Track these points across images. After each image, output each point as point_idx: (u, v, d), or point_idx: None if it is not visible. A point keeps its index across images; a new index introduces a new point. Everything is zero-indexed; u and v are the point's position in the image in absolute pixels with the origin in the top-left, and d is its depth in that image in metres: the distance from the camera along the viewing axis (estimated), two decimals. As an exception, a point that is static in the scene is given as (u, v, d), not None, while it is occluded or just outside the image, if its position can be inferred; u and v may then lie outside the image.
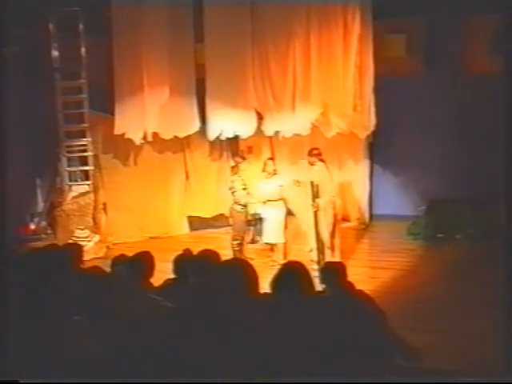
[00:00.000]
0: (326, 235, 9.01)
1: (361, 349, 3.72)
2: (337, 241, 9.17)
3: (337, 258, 8.88)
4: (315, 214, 8.96)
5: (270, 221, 9.86)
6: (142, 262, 5.14)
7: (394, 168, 12.70)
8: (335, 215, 9.22)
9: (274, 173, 9.91)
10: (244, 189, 9.96)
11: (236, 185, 9.99)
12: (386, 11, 10.05)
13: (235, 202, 9.99)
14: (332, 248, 9.08)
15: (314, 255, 8.90)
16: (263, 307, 3.84)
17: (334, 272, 5.12)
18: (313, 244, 9.08)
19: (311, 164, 9.20)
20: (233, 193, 10.00)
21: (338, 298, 4.47)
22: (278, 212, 9.81)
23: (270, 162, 10.16)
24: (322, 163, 9.18)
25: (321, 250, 8.94)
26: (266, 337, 3.54)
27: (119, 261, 5.50)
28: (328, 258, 8.84)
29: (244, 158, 10.70)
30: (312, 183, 8.90)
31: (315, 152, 9.20)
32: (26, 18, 10.00)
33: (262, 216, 10.00)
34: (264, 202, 9.88)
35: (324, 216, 8.99)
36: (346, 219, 12.53)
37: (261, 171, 10.12)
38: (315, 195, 8.91)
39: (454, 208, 11.50)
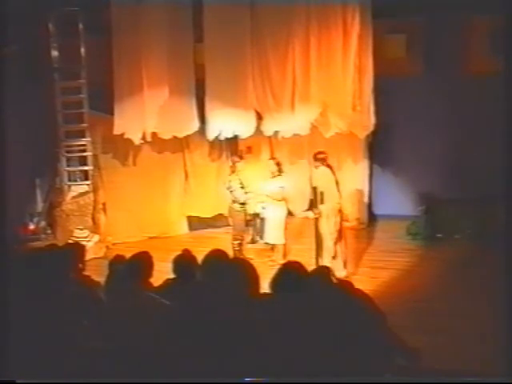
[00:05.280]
0: (329, 244, 8.92)
1: (361, 349, 3.72)
2: (339, 248, 9.02)
3: (340, 267, 8.86)
4: (316, 221, 8.90)
5: (271, 221, 9.85)
6: (141, 262, 5.13)
7: (393, 168, 12.71)
8: (340, 223, 9.01)
9: (279, 173, 9.86)
10: (241, 187, 9.96)
11: (233, 184, 10.00)
12: (385, 11, 10.05)
13: (233, 201, 10.01)
14: (338, 254, 8.97)
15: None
16: (263, 307, 3.84)
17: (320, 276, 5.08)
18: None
19: (315, 167, 9.09)
20: (231, 192, 10.02)
21: (337, 298, 4.46)
22: (279, 213, 9.80)
23: (270, 161, 10.17)
24: (326, 168, 9.02)
25: (321, 256, 8.89)
26: (266, 337, 3.54)
27: (116, 261, 5.50)
28: (337, 265, 8.81)
29: (242, 158, 10.70)
30: (315, 189, 8.80)
31: (320, 156, 9.07)
32: (25, 18, 10.00)
33: (263, 216, 10.00)
34: (263, 202, 9.90)
35: (327, 223, 8.90)
36: (345, 219, 12.53)
37: (261, 171, 10.13)
38: (319, 202, 8.81)
39: (453, 208, 11.51)
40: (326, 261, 8.76)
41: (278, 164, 9.96)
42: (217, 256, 4.96)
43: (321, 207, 8.80)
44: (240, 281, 3.82)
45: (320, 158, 9.01)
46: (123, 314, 4.41)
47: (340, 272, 8.73)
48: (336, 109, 9.92)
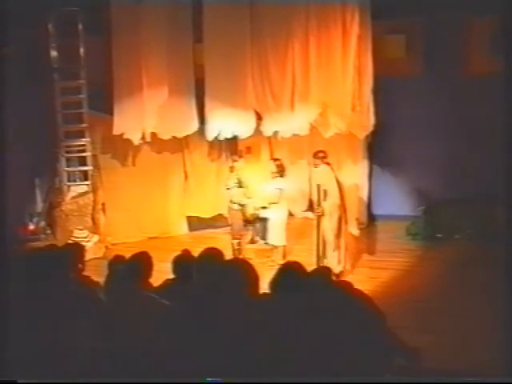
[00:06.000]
0: (330, 239, 8.94)
1: (361, 349, 3.72)
2: (342, 242, 9.05)
3: (341, 260, 8.87)
4: (318, 218, 8.91)
5: (272, 223, 9.84)
6: (140, 263, 5.13)
7: (392, 168, 12.70)
8: (340, 218, 9.01)
9: (278, 175, 9.84)
10: (239, 187, 9.96)
11: (231, 183, 10.00)
12: (385, 11, 10.05)
13: (231, 201, 10.01)
14: (337, 249, 9.00)
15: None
16: (263, 307, 3.84)
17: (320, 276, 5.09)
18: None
19: (315, 166, 9.12)
20: (228, 190, 10.02)
21: (336, 298, 4.46)
22: (280, 214, 9.79)
23: (270, 162, 10.18)
24: (326, 166, 9.07)
25: (322, 254, 8.89)
26: (266, 337, 3.54)
27: (116, 261, 5.50)
28: (333, 260, 8.82)
29: (240, 157, 10.69)
30: (319, 187, 8.82)
31: (321, 155, 9.09)
32: (25, 18, 9.99)
33: (263, 216, 9.99)
34: (263, 203, 9.90)
35: (329, 221, 8.91)
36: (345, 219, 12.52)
37: (260, 171, 10.12)
38: (321, 200, 8.81)
39: (453, 208, 11.51)
40: (328, 256, 8.84)
41: (279, 166, 9.93)
42: (215, 256, 4.97)
43: (323, 205, 8.82)
44: (240, 281, 3.82)
45: (320, 157, 9.05)
46: (123, 314, 4.41)
47: (337, 267, 8.74)
48: (335, 109, 9.91)
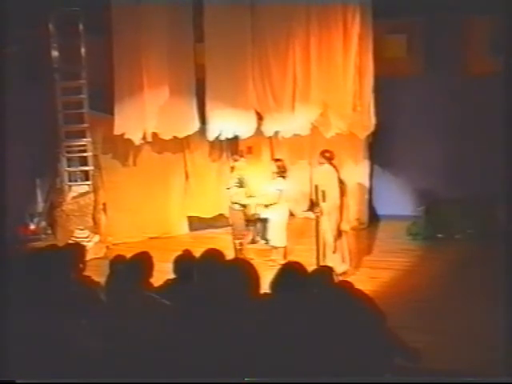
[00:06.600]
0: (330, 240, 8.95)
1: (361, 349, 3.72)
2: (344, 242, 9.09)
3: (339, 262, 8.88)
4: (317, 219, 8.91)
5: (273, 223, 9.83)
6: (141, 263, 5.13)
7: (393, 168, 12.71)
8: (341, 219, 9.01)
9: (281, 175, 9.84)
10: (240, 187, 9.96)
11: (232, 183, 10.01)
12: (386, 11, 10.05)
13: (232, 201, 10.02)
14: (339, 249, 9.01)
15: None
16: (263, 307, 3.84)
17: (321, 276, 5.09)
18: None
19: (320, 164, 9.11)
20: (229, 190, 10.03)
21: (337, 298, 4.46)
22: (281, 214, 9.78)
23: (271, 162, 10.18)
24: (329, 165, 9.04)
25: (322, 254, 8.90)
26: (267, 337, 3.54)
27: (117, 261, 5.50)
28: (333, 261, 8.81)
29: (242, 157, 10.69)
30: (317, 187, 8.81)
31: (327, 155, 9.08)
32: (26, 18, 10.01)
33: (263, 216, 9.99)
34: (263, 203, 9.90)
35: (329, 221, 8.92)
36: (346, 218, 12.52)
37: (261, 171, 10.11)
38: (320, 200, 8.80)
39: (453, 208, 11.51)
40: (327, 256, 8.82)
41: (281, 166, 9.92)
42: (216, 256, 4.97)
43: (322, 205, 8.81)
44: (240, 281, 3.82)
45: (326, 156, 9.04)
46: (124, 314, 4.41)
47: (340, 267, 8.75)
48: (336, 109, 9.90)
